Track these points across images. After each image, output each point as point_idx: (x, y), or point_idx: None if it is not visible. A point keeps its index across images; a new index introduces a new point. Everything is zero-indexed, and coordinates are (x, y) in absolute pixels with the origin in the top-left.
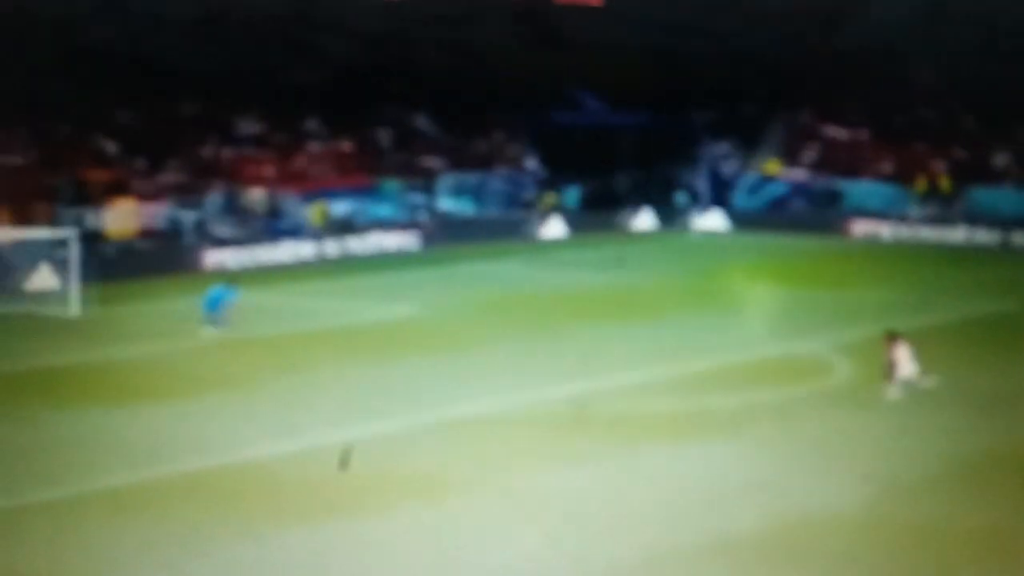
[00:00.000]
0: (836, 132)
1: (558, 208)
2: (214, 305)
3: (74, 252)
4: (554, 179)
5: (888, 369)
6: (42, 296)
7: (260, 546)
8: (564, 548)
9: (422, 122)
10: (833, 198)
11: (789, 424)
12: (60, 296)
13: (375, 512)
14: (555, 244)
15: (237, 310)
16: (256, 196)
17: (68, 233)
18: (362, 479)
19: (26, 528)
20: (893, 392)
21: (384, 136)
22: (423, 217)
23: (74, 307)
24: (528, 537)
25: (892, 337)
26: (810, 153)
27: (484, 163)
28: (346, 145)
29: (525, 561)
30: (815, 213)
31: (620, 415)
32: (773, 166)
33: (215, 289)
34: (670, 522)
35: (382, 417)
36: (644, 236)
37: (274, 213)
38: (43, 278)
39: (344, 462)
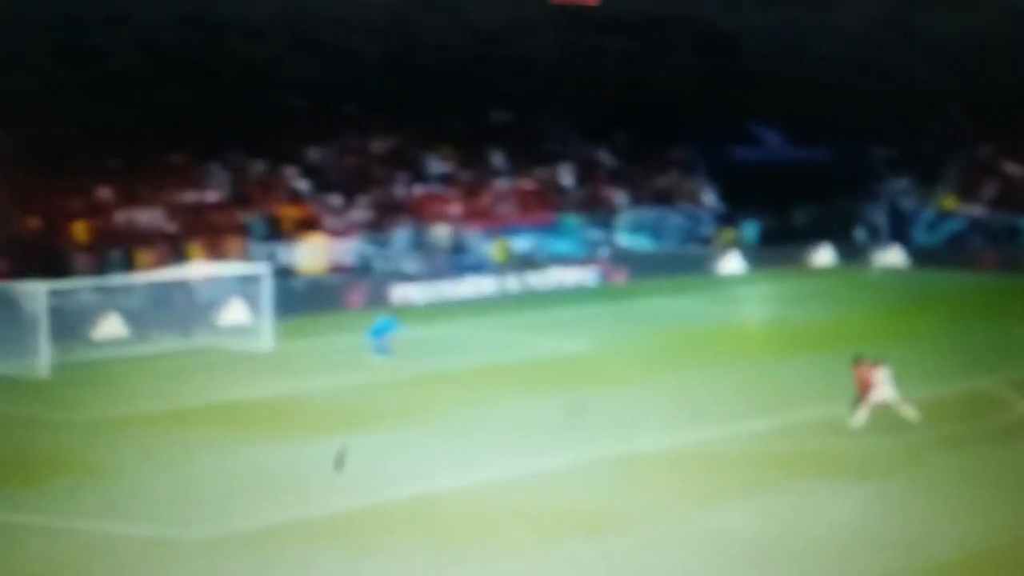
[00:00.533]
0: (1015, 168)
1: (736, 243)
2: (379, 335)
3: (266, 287)
4: (733, 215)
5: (860, 394)
6: (235, 331)
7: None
8: None
9: (604, 157)
10: (1012, 234)
11: (965, 459)
12: (252, 331)
13: (540, 545)
14: (733, 279)
15: (422, 344)
16: (442, 233)
17: (260, 269)
18: (531, 512)
19: (228, 557)
20: (859, 418)
21: (566, 172)
22: (603, 252)
23: (266, 341)
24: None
25: (865, 362)
26: (989, 189)
27: (664, 198)
28: (528, 182)
29: None
30: (994, 249)
31: (800, 451)
32: (951, 202)
33: (380, 321)
34: (842, 561)
35: (553, 451)
36: (823, 272)
37: (458, 249)
38: (236, 313)
39: (339, 463)
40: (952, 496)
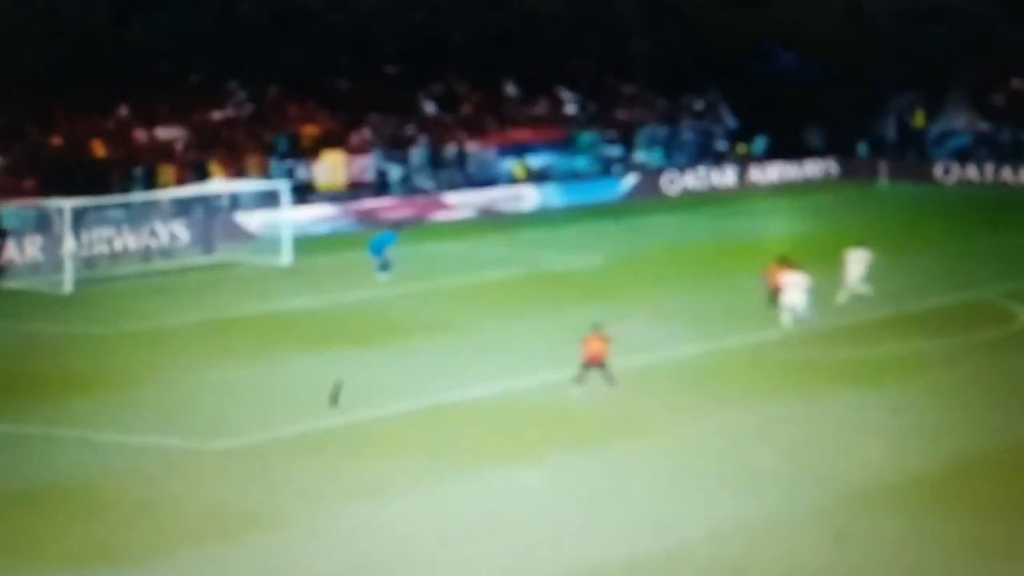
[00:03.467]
0: (1022, 84)
1: (747, 158)
2: (378, 250)
3: (286, 202)
4: (745, 130)
5: (773, 295)
6: (256, 245)
7: (478, 482)
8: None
9: (617, 77)
10: (1018, 148)
11: (966, 370)
12: (273, 245)
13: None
14: (741, 194)
15: (439, 259)
16: (457, 150)
17: (280, 185)
18: (554, 419)
19: (257, 463)
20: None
21: (581, 89)
22: (618, 169)
23: (286, 256)
24: (685, 485)
25: (782, 263)
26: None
27: (677, 116)
28: (543, 101)
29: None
30: (999, 163)
31: (800, 362)
32: (920, 118)
33: (379, 236)
34: (849, 467)
35: (560, 365)
36: (829, 186)
37: (475, 166)
38: (256, 228)
39: (334, 399)
40: (957, 402)
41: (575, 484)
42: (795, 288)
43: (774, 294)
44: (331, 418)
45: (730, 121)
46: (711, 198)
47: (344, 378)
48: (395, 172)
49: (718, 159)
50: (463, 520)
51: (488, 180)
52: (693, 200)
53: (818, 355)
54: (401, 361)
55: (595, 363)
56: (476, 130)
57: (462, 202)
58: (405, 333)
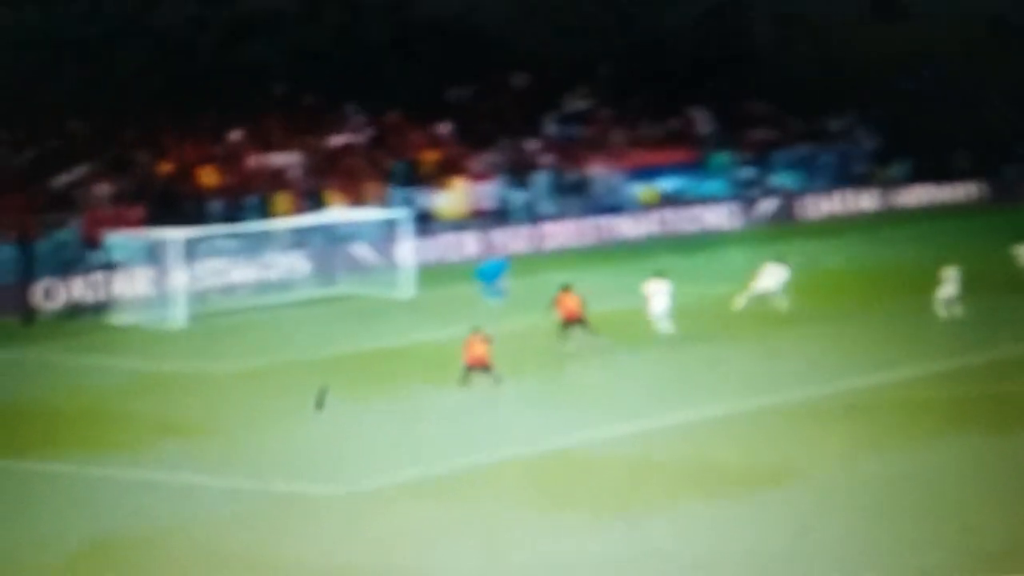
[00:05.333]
0: None
1: (888, 181)
2: (489, 278)
3: (407, 232)
4: (886, 152)
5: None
6: (376, 277)
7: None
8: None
9: (754, 97)
10: None
11: None
12: (393, 277)
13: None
14: (881, 218)
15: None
16: (586, 174)
17: (401, 213)
18: (720, 460)
19: (377, 509)
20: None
21: (713, 110)
22: (753, 193)
23: (407, 289)
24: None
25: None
26: None
27: (814, 136)
28: (675, 121)
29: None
30: None
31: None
32: None
33: (489, 263)
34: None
35: (702, 402)
36: (975, 209)
37: (601, 191)
38: (375, 259)
39: (320, 403)
40: None
41: (705, 535)
42: (660, 295)
43: (566, 323)
44: (459, 460)
45: (869, 142)
46: (851, 223)
47: (329, 384)
48: (517, 199)
49: (858, 182)
50: (588, 572)
51: (614, 205)
52: (832, 225)
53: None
54: (525, 399)
55: (478, 366)
56: (602, 152)
57: (585, 229)
58: (529, 369)
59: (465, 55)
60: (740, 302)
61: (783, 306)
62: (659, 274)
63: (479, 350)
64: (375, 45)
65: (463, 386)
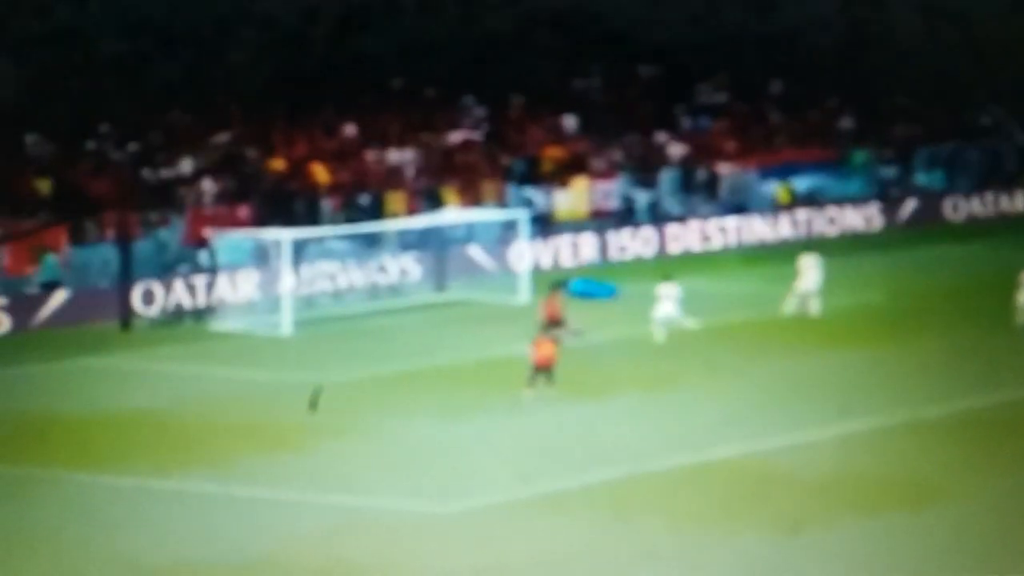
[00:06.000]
0: None
1: None
2: (586, 294)
3: (524, 234)
4: None
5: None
6: (490, 283)
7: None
8: None
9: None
10: None
11: None
12: (509, 283)
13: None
14: None
15: (694, 296)
16: (714, 173)
17: (519, 214)
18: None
19: (491, 528)
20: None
21: (851, 104)
22: (894, 193)
23: (523, 294)
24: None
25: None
26: None
27: (960, 133)
28: (813, 115)
29: None
30: None
31: None
32: None
33: (594, 283)
34: None
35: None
36: None
37: (733, 191)
38: (492, 263)
39: (313, 404)
40: None
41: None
42: (668, 300)
43: (548, 322)
44: (576, 478)
45: (1020, 139)
46: (1000, 225)
47: (323, 384)
48: (642, 198)
49: (1008, 181)
50: None
51: (747, 205)
52: (979, 227)
53: None
54: (641, 414)
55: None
56: (734, 149)
57: (715, 230)
58: (648, 382)
59: (590, 45)
60: (789, 305)
61: (815, 310)
62: (667, 277)
63: (547, 350)
64: (496, 36)
65: (530, 388)
